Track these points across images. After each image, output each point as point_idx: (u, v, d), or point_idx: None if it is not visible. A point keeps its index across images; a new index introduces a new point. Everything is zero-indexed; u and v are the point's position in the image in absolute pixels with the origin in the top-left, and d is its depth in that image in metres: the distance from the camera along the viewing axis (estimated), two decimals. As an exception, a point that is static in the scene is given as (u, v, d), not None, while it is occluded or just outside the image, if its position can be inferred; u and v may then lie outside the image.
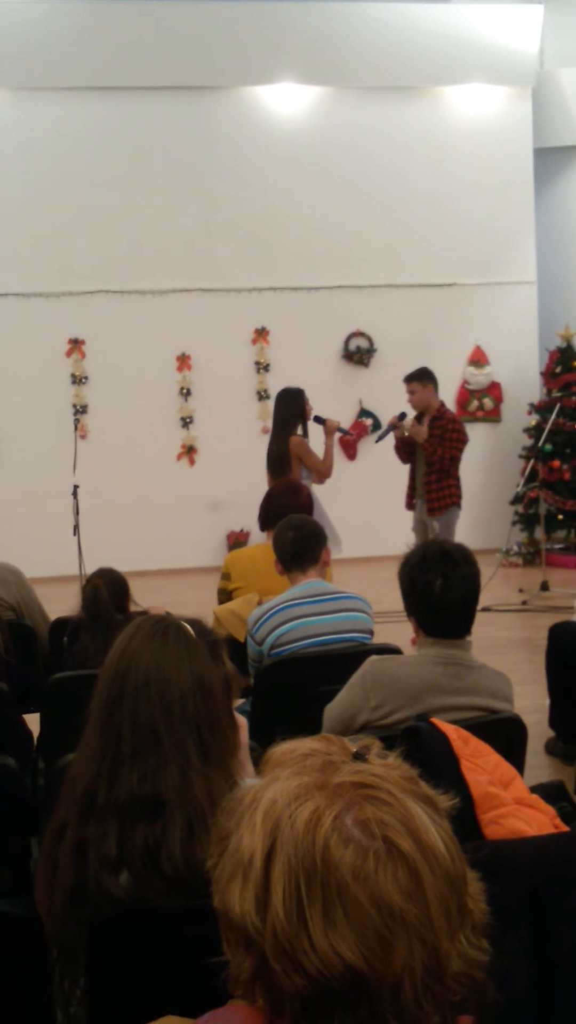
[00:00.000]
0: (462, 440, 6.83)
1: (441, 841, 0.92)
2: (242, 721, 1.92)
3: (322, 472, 6.44)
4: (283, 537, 3.63)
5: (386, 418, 7.31)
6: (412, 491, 7.05)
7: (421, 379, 6.90)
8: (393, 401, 6.99)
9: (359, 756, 0.97)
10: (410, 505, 7.09)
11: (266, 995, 0.92)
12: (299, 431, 6.45)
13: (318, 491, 6.48)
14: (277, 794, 0.94)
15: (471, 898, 0.94)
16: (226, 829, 0.99)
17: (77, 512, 7.62)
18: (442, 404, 6.93)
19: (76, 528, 7.60)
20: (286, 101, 10.40)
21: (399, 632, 6.15)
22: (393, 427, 7.02)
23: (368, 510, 7.53)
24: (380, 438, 7.16)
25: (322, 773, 0.94)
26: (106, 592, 3.46)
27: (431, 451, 6.78)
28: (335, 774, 0.94)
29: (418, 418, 6.98)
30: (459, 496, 6.88)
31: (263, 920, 0.91)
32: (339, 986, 0.87)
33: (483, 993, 0.94)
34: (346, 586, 3.77)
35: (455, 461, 6.78)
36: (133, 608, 3.86)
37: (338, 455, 8.58)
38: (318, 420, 6.57)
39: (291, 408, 6.48)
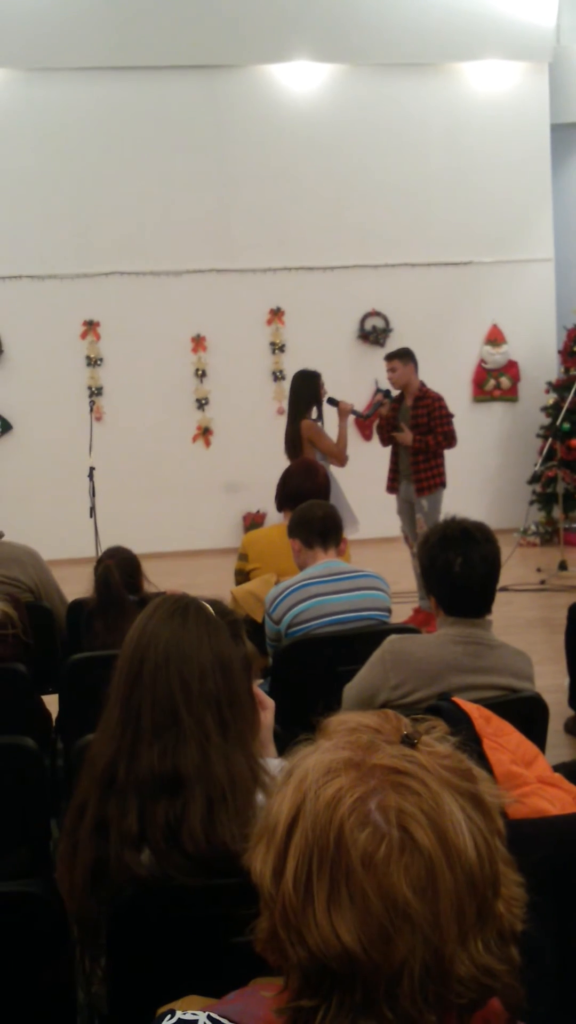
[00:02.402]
0: (450, 415, 6.80)
1: (471, 840, 0.89)
2: (269, 702, 1.91)
3: (335, 455, 6.43)
4: (312, 513, 3.63)
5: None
6: (394, 474, 7.02)
7: (402, 357, 6.87)
8: (387, 376, 6.97)
9: (407, 739, 0.94)
10: (392, 488, 7.06)
11: (276, 958, 0.94)
12: (313, 414, 6.43)
13: (335, 472, 6.46)
14: (312, 765, 0.93)
15: (503, 903, 0.91)
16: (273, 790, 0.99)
17: (93, 494, 7.62)
18: (422, 383, 6.89)
19: (92, 510, 7.61)
20: (301, 79, 10.32)
21: (399, 613, 6.14)
22: (380, 404, 7.02)
23: (382, 491, 7.48)
24: (366, 416, 7.17)
25: (362, 751, 0.92)
26: (117, 573, 3.45)
27: (423, 445, 6.74)
28: (374, 754, 0.92)
29: (399, 397, 6.95)
30: (445, 475, 6.87)
31: (276, 887, 0.92)
32: (337, 966, 0.87)
33: (508, 998, 0.92)
34: (363, 566, 3.75)
35: (449, 436, 6.73)
36: (150, 589, 3.86)
37: (354, 436, 8.55)
38: (332, 402, 6.55)
39: (305, 390, 6.46)
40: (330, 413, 6.65)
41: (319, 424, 6.47)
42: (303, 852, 0.90)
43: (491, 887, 0.89)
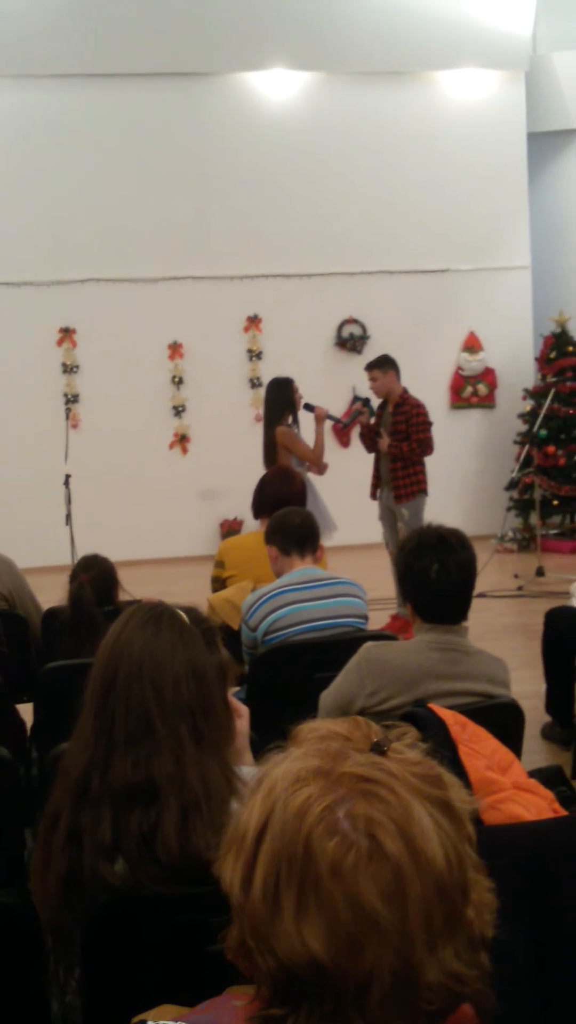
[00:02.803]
0: (428, 423, 6.79)
1: (440, 847, 0.88)
2: (244, 710, 1.91)
3: (311, 459, 6.44)
4: (290, 520, 3.63)
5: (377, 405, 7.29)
6: (377, 480, 7.04)
7: (382, 366, 6.88)
8: (369, 386, 6.99)
9: (377, 747, 0.94)
10: (374, 495, 7.08)
11: (246, 967, 0.94)
12: (289, 420, 6.45)
13: (313, 478, 6.48)
14: (281, 774, 0.93)
15: (474, 909, 0.91)
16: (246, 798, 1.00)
17: (69, 501, 7.60)
18: (405, 390, 6.89)
19: (68, 517, 7.58)
20: (278, 87, 10.35)
21: (377, 620, 6.15)
22: (359, 413, 7.03)
23: (362, 497, 7.50)
24: (346, 424, 7.18)
25: (331, 759, 0.92)
26: (90, 590, 3.42)
27: (398, 451, 6.75)
28: (343, 763, 0.91)
29: (381, 405, 6.96)
30: (425, 483, 6.85)
31: (245, 896, 0.92)
32: (305, 975, 0.87)
33: (479, 1003, 0.92)
34: (340, 573, 3.75)
35: (424, 444, 6.73)
36: (124, 597, 3.84)
37: (332, 443, 8.57)
38: (308, 408, 6.58)
39: (279, 397, 6.50)
40: (306, 420, 6.66)
41: (294, 430, 6.49)
42: (271, 861, 0.90)
43: (460, 894, 0.89)
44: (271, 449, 6.41)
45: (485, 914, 0.92)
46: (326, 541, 6.36)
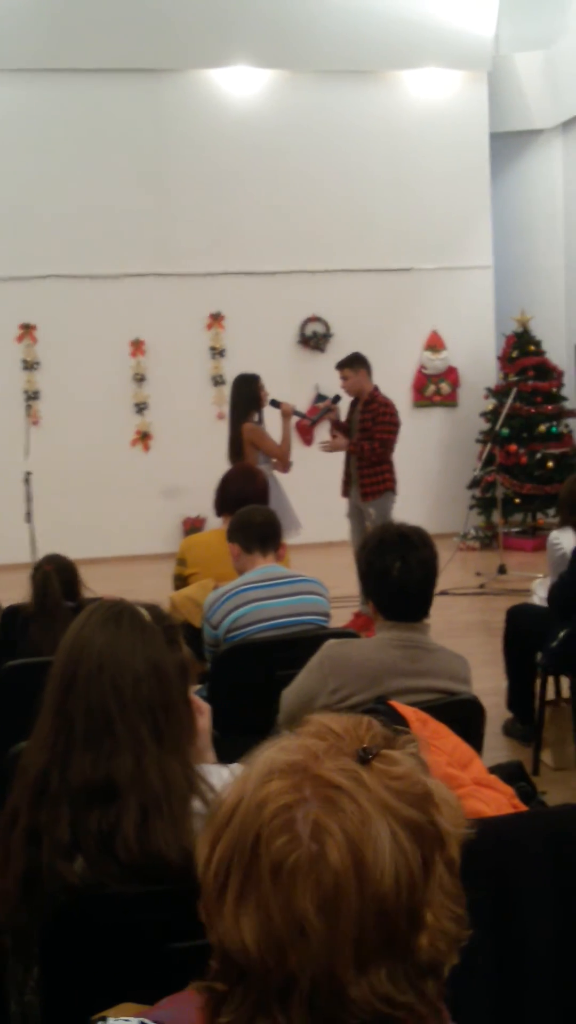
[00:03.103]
0: (393, 424, 6.78)
1: (392, 869, 0.85)
2: (205, 708, 1.90)
3: (278, 456, 6.43)
4: (251, 518, 3.64)
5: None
6: (347, 477, 7.05)
7: (352, 365, 6.88)
8: (340, 385, 7.01)
9: (363, 754, 0.91)
10: (346, 492, 7.09)
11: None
12: (255, 417, 6.44)
13: (278, 476, 6.47)
14: (262, 760, 0.93)
15: (429, 936, 0.87)
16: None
17: (30, 499, 7.54)
18: (375, 388, 6.90)
19: (29, 515, 7.52)
20: (241, 84, 10.34)
21: (340, 617, 6.17)
22: (328, 410, 7.04)
23: (324, 495, 7.52)
24: (315, 421, 7.18)
25: (311, 757, 0.91)
26: (56, 580, 3.41)
27: (358, 450, 6.78)
28: (320, 763, 0.90)
29: (353, 404, 6.98)
30: (394, 481, 6.85)
31: (204, 871, 0.92)
32: (239, 961, 0.88)
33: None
34: (303, 571, 3.76)
35: (385, 444, 6.73)
36: (87, 595, 3.82)
37: (295, 440, 8.57)
38: (274, 404, 6.57)
39: (245, 394, 6.48)
40: (272, 416, 6.65)
41: (261, 427, 6.47)
42: (228, 846, 0.90)
43: (407, 918, 0.86)
44: (237, 446, 6.39)
45: (441, 943, 0.88)
46: (291, 539, 6.38)
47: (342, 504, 7.24)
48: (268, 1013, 0.87)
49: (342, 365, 6.93)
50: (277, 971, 0.86)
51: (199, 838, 0.94)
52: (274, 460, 6.45)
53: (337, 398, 7.04)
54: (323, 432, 9.34)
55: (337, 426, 7.01)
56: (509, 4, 10.74)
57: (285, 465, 6.50)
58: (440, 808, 0.91)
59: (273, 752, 0.94)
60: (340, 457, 7.09)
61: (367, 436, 6.77)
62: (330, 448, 6.94)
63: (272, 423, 6.63)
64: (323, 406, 7.19)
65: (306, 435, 10.11)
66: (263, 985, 0.87)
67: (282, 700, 2.85)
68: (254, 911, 0.86)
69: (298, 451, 6.82)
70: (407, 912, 0.86)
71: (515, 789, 2.26)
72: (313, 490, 7.64)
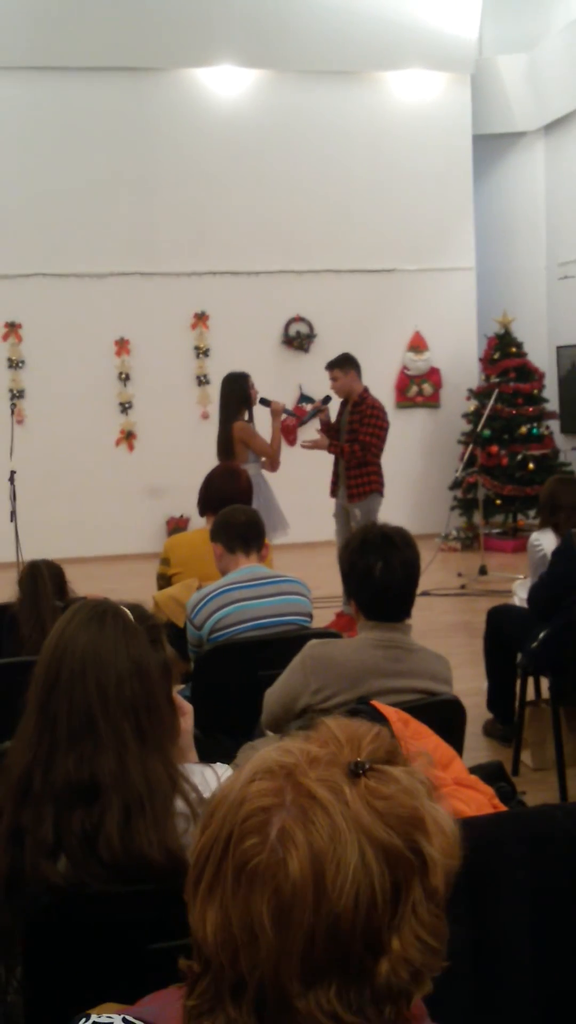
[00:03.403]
0: (379, 427, 6.75)
1: (353, 890, 0.83)
2: (187, 708, 1.91)
3: (269, 455, 6.42)
4: (234, 517, 3.64)
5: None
6: (336, 478, 7.06)
7: (342, 366, 6.87)
8: (330, 386, 7.01)
9: (355, 768, 0.90)
10: (334, 492, 7.09)
11: None
12: (245, 416, 6.42)
13: (267, 475, 6.46)
14: (258, 758, 0.93)
15: (390, 963, 0.85)
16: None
17: (14, 498, 7.52)
18: (365, 389, 6.89)
19: (13, 514, 7.50)
20: (225, 84, 10.33)
21: (323, 617, 6.17)
22: (318, 411, 7.03)
23: (308, 496, 7.53)
24: (304, 421, 7.18)
25: (303, 763, 0.90)
26: (48, 579, 3.41)
27: (339, 451, 6.78)
28: (308, 771, 0.89)
29: (343, 404, 6.99)
30: (380, 483, 6.83)
31: (191, 857, 0.93)
32: (203, 950, 0.89)
33: None
34: (286, 571, 3.77)
35: (367, 447, 6.69)
36: (72, 596, 3.82)
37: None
38: (264, 402, 6.55)
39: (235, 392, 6.43)
40: (261, 415, 6.64)
41: (251, 425, 6.46)
42: (208, 838, 0.91)
43: (362, 941, 0.84)
44: (227, 445, 6.34)
45: (404, 972, 0.86)
46: (279, 539, 6.39)
47: (325, 504, 7.25)
48: (223, 1007, 0.87)
49: (332, 366, 6.91)
50: (230, 969, 0.86)
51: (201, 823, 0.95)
52: (264, 459, 6.44)
53: (327, 399, 7.03)
54: (309, 432, 9.37)
55: (326, 427, 7.01)
56: (492, 6, 10.78)
57: (275, 464, 6.49)
58: (431, 835, 0.89)
59: (271, 751, 0.94)
60: (326, 457, 7.09)
61: (354, 438, 6.76)
62: (310, 446, 6.94)
63: (260, 422, 6.63)
64: (313, 407, 7.18)
65: (290, 435, 10.09)
66: (219, 979, 0.87)
67: (265, 700, 2.86)
68: (217, 907, 0.87)
69: (282, 451, 6.83)
70: (364, 935, 0.84)
71: (495, 789, 2.28)
72: (296, 490, 7.65)
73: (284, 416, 6.79)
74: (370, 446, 6.70)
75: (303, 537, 8.25)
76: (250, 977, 0.85)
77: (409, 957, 0.86)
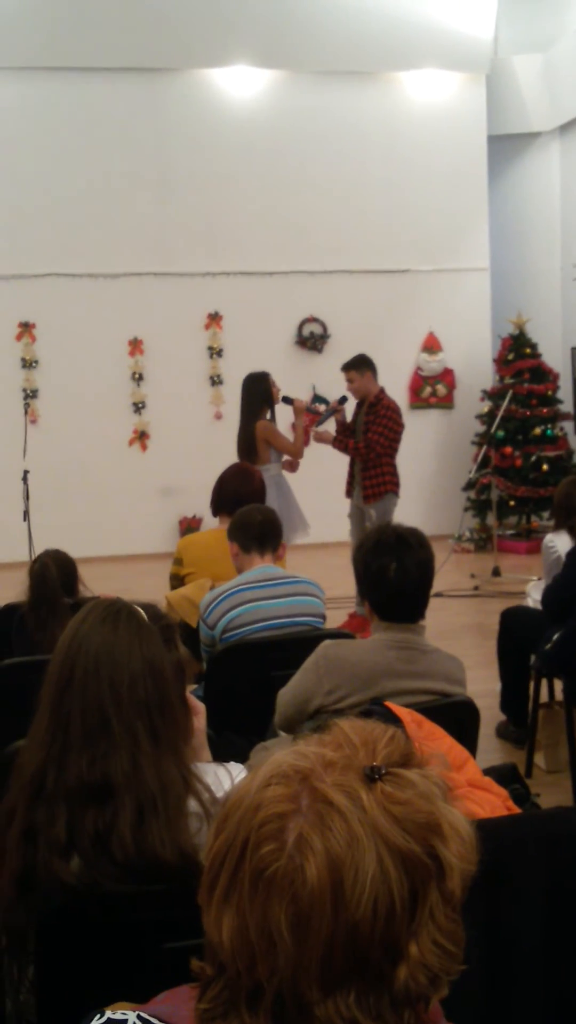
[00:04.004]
0: (390, 427, 6.73)
1: (371, 896, 0.83)
2: (200, 707, 1.90)
3: (292, 453, 6.43)
4: (251, 517, 3.64)
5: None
6: (351, 478, 7.05)
7: (358, 367, 6.86)
8: (346, 387, 7.01)
9: (371, 772, 0.89)
10: (349, 493, 7.09)
11: None
12: (267, 415, 6.42)
13: (287, 476, 6.47)
14: (272, 761, 0.92)
15: (409, 969, 0.85)
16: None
17: (27, 497, 7.54)
18: (381, 390, 6.87)
19: (26, 514, 7.52)
20: (241, 84, 10.34)
21: (335, 618, 6.16)
22: (334, 411, 7.02)
23: (321, 496, 7.52)
24: (320, 422, 7.17)
25: (319, 767, 0.89)
26: (55, 570, 3.42)
27: (343, 448, 6.78)
28: (323, 776, 0.88)
29: (359, 405, 6.98)
30: (395, 484, 6.81)
31: (205, 860, 0.92)
32: (218, 955, 0.88)
33: None
34: (299, 571, 3.77)
35: (371, 446, 6.67)
36: (84, 593, 3.82)
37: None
38: (287, 400, 6.55)
39: (257, 392, 6.43)
40: (281, 414, 6.63)
41: (274, 424, 6.46)
42: (223, 842, 0.90)
43: (381, 948, 0.84)
44: (250, 444, 6.33)
45: (422, 977, 0.85)
46: (299, 539, 6.39)
47: (339, 505, 7.24)
48: (237, 1013, 0.87)
49: (348, 367, 6.90)
50: (246, 976, 0.85)
51: (203, 834, 0.95)
52: (286, 458, 6.44)
53: (343, 399, 7.02)
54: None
55: (342, 427, 7.01)
56: (508, 7, 10.76)
57: (295, 463, 6.50)
58: (447, 839, 0.88)
59: (286, 754, 0.92)
60: (341, 458, 7.09)
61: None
62: (317, 438, 6.90)
63: (280, 421, 6.62)
64: (329, 407, 7.17)
65: (305, 435, 10.09)
66: (235, 985, 0.87)
67: (278, 700, 2.86)
68: (234, 912, 0.86)
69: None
70: (383, 941, 0.84)
71: (509, 791, 2.27)
72: (311, 490, 7.64)
73: (307, 413, 6.79)
74: (375, 444, 6.68)
75: (317, 537, 8.24)
76: (268, 984, 0.84)
77: (427, 962, 0.85)
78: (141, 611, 1.73)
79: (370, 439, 6.69)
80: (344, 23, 10.13)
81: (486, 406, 10.37)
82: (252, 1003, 0.86)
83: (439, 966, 0.86)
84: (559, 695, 4.52)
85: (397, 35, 10.29)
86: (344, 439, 6.78)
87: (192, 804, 1.64)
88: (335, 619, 6.27)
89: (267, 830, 0.86)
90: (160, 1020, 1.01)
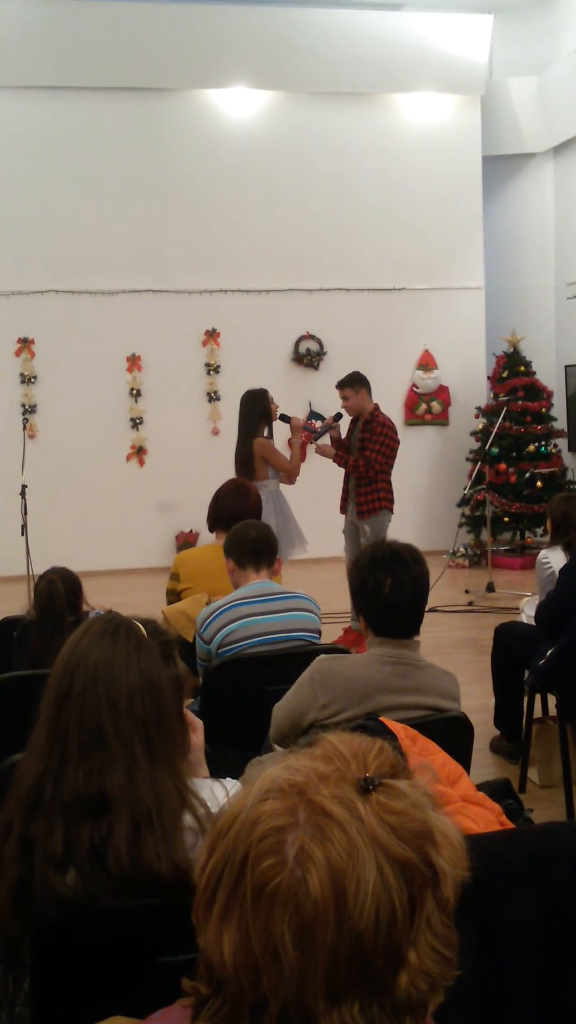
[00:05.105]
0: (387, 444, 6.75)
1: (373, 905, 0.84)
2: (198, 723, 1.92)
3: (288, 471, 6.45)
4: (246, 533, 3.65)
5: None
6: (345, 494, 7.07)
7: (353, 385, 6.88)
8: (341, 405, 7.04)
9: (365, 784, 0.89)
10: (343, 508, 7.10)
11: None
12: (264, 432, 6.44)
13: (285, 492, 6.48)
14: (266, 776, 0.92)
15: (409, 975, 0.86)
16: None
17: (25, 512, 7.55)
18: (376, 407, 6.90)
19: (24, 528, 7.53)
20: (238, 104, 10.41)
21: (330, 633, 6.16)
22: (329, 428, 7.05)
23: (316, 512, 7.53)
24: (316, 438, 7.20)
25: (313, 780, 0.90)
26: (62, 588, 3.43)
27: (343, 463, 6.80)
28: (319, 789, 0.89)
29: (354, 422, 7.01)
30: (390, 500, 6.83)
31: (199, 878, 0.92)
32: (218, 972, 0.88)
33: None
34: (295, 587, 3.78)
35: (370, 464, 6.71)
36: (85, 609, 3.83)
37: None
38: (284, 418, 6.59)
39: (256, 409, 6.45)
40: (278, 432, 6.66)
41: (271, 442, 6.48)
42: (220, 859, 0.90)
43: (383, 956, 0.85)
44: (247, 461, 6.35)
45: (422, 983, 0.87)
46: (297, 555, 6.40)
47: (334, 520, 7.25)
48: None
49: (342, 385, 6.91)
50: (250, 991, 0.85)
51: (205, 842, 0.94)
52: (282, 475, 6.46)
53: (339, 416, 7.05)
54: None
55: (337, 444, 7.03)
56: (503, 30, 10.86)
57: (292, 479, 6.52)
58: (440, 846, 0.89)
59: (278, 770, 0.93)
60: (336, 474, 7.11)
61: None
62: (320, 451, 6.92)
63: (277, 438, 6.64)
64: (324, 424, 7.19)
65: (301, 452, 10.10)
66: (237, 1001, 0.87)
67: (273, 715, 2.87)
68: (235, 928, 0.86)
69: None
70: (385, 950, 0.85)
71: (502, 806, 2.28)
72: (306, 506, 7.66)
73: (303, 431, 6.82)
74: (373, 462, 6.71)
75: (312, 553, 8.25)
76: (273, 998, 0.84)
77: (426, 968, 0.87)
78: (140, 626, 1.74)
79: (368, 457, 6.71)
80: (341, 45, 10.22)
81: (480, 423, 10.40)
82: (256, 1018, 0.86)
83: (437, 971, 0.88)
84: (553, 710, 4.53)
85: (393, 57, 10.38)
86: (345, 455, 6.80)
87: (188, 819, 1.65)
88: (330, 634, 6.28)
89: (266, 844, 0.86)
90: None
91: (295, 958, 0.83)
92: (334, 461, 6.87)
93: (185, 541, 10.18)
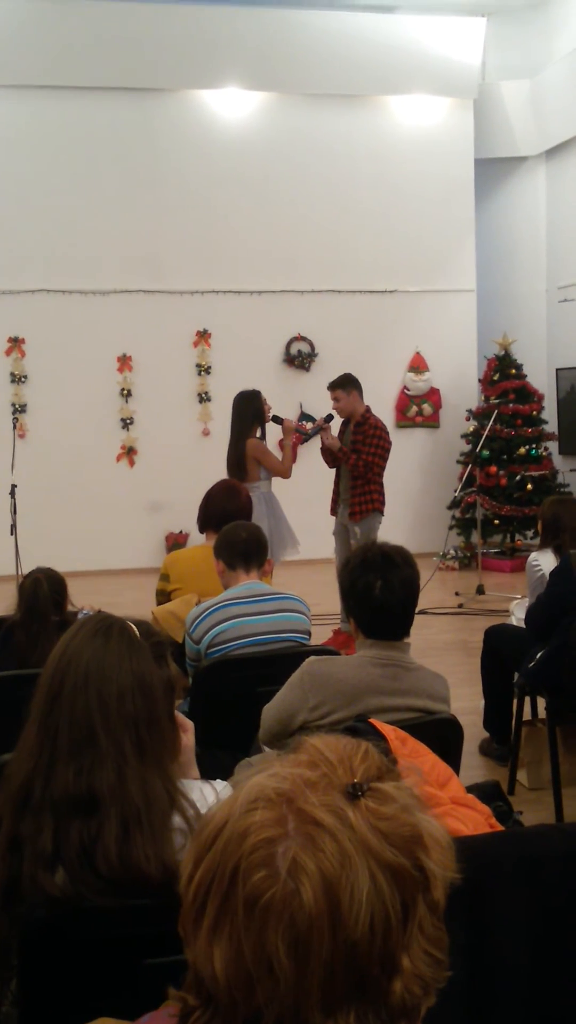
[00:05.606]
0: (381, 447, 6.78)
1: (367, 913, 0.83)
2: (189, 725, 1.91)
3: (280, 472, 6.46)
4: (235, 534, 3.65)
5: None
6: (336, 495, 7.08)
7: (344, 386, 6.89)
8: (332, 406, 7.04)
9: (353, 790, 0.88)
10: (334, 510, 7.11)
11: None
12: (257, 433, 6.45)
13: (278, 494, 6.49)
14: (251, 785, 0.91)
15: (403, 982, 0.85)
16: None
17: (15, 511, 7.54)
18: (368, 409, 6.91)
19: (13, 527, 7.52)
20: (231, 105, 10.41)
21: (320, 635, 6.17)
22: (320, 429, 7.06)
23: (307, 513, 7.53)
24: (307, 439, 7.20)
25: (300, 788, 0.88)
26: (47, 587, 3.42)
27: (346, 459, 6.81)
28: (306, 796, 0.87)
29: (345, 424, 7.01)
30: (381, 503, 6.85)
31: (185, 890, 0.90)
32: (208, 985, 0.86)
33: None
34: (285, 588, 3.78)
35: (369, 467, 6.72)
36: (70, 609, 3.82)
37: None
38: (276, 420, 6.60)
39: (248, 410, 6.47)
40: (270, 432, 6.66)
41: (264, 443, 6.49)
42: (208, 871, 0.88)
43: (379, 964, 0.84)
44: (240, 462, 6.36)
45: (416, 987, 0.86)
46: (289, 556, 6.40)
47: (324, 522, 7.26)
48: None
49: (334, 386, 6.92)
50: (244, 1005, 0.84)
51: (187, 852, 0.92)
52: (275, 475, 6.47)
53: (329, 417, 7.06)
54: (306, 451, 9.41)
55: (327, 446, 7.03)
56: (496, 33, 10.88)
57: (285, 476, 6.53)
58: (429, 849, 0.88)
59: (263, 777, 0.91)
60: (327, 476, 7.12)
61: (356, 457, 6.80)
62: (326, 440, 6.89)
63: (269, 439, 6.65)
64: (315, 425, 7.20)
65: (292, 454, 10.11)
66: (230, 1014, 0.85)
67: (263, 716, 2.86)
68: (227, 942, 0.85)
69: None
70: (380, 958, 0.84)
71: (492, 808, 2.29)
72: (296, 508, 7.67)
73: (295, 433, 6.83)
74: (372, 465, 6.74)
75: (303, 554, 8.25)
76: (268, 1011, 0.83)
77: (419, 972, 0.86)
78: (133, 627, 1.74)
79: (367, 460, 6.73)
80: (334, 47, 10.23)
81: (471, 426, 10.42)
82: None
83: (430, 974, 0.87)
84: (542, 713, 4.53)
85: (387, 60, 10.39)
86: (348, 452, 6.81)
87: (177, 820, 1.65)
88: (320, 635, 6.28)
89: (257, 856, 0.85)
90: None
91: (290, 970, 0.82)
92: (337, 455, 6.86)
93: (175, 542, 10.17)
